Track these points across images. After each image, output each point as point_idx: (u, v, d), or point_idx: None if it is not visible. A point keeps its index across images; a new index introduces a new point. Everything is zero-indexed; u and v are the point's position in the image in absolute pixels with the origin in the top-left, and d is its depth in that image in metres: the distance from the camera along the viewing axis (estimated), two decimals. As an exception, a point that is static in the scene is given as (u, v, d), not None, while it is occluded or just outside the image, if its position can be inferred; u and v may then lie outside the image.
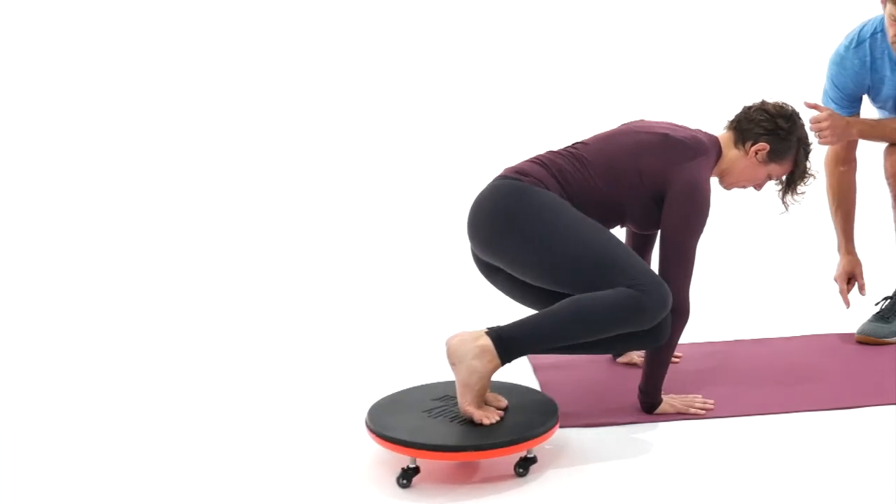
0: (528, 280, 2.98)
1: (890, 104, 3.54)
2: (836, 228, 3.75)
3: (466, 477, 2.74)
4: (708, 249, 3.20)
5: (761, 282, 4.28)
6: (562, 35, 6.56)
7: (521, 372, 3.43)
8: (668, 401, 3.11)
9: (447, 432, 2.67)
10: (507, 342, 2.76)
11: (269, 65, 6.45)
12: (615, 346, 2.96)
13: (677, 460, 2.84)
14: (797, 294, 4.10)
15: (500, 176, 3.06)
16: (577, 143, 3.16)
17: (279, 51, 6.46)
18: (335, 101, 6.41)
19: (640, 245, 3.37)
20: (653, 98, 5.98)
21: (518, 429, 2.69)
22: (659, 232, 3.08)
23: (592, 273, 2.86)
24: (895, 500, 2.59)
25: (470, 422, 2.72)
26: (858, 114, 3.61)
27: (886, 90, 3.51)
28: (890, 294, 3.73)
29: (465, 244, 3.11)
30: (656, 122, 3.19)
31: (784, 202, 3.23)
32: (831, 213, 3.75)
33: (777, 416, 3.09)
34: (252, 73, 6.43)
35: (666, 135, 3.07)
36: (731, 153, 3.17)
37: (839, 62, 3.55)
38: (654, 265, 3.27)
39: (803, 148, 3.18)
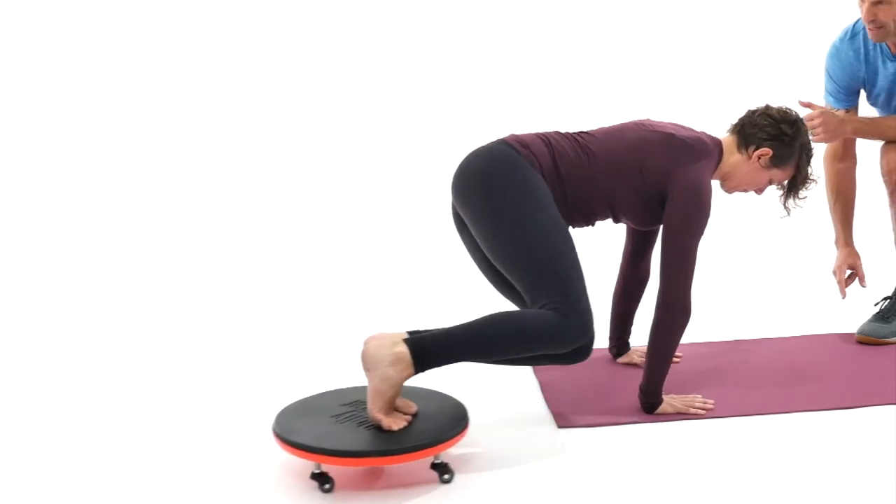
0: (481, 246, 3.00)
1: (883, 97, 3.56)
2: (834, 222, 3.76)
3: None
4: (708, 250, 3.20)
5: (761, 282, 4.28)
6: (566, 35, 6.56)
7: (520, 371, 3.44)
8: (669, 401, 3.11)
9: (353, 438, 2.66)
10: (424, 352, 2.72)
11: (262, 60, 6.45)
12: (534, 362, 2.98)
13: (677, 460, 2.84)
14: (797, 294, 4.10)
15: (502, 140, 3.06)
16: (584, 132, 3.15)
17: (274, 47, 6.47)
18: (336, 95, 6.41)
19: (641, 243, 3.38)
20: (656, 99, 5.97)
21: (424, 435, 2.67)
22: (661, 232, 3.10)
23: (534, 271, 2.85)
24: (895, 501, 2.59)
25: (377, 427, 2.70)
26: (856, 108, 3.63)
27: (880, 82, 3.53)
28: (890, 294, 3.73)
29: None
30: (662, 122, 3.19)
31: (786, 207, 3.24)
32: (830, 206, 3.75)
33: (777, 416, 3.09)
34: (244, 69, 6.43)
35: (671, 135, 3.08)
36: (733, 157, 3.17)
37: (834, 54, 3.60)
38: (655, 264, 3.28)
39: (806, 154, 3.18)
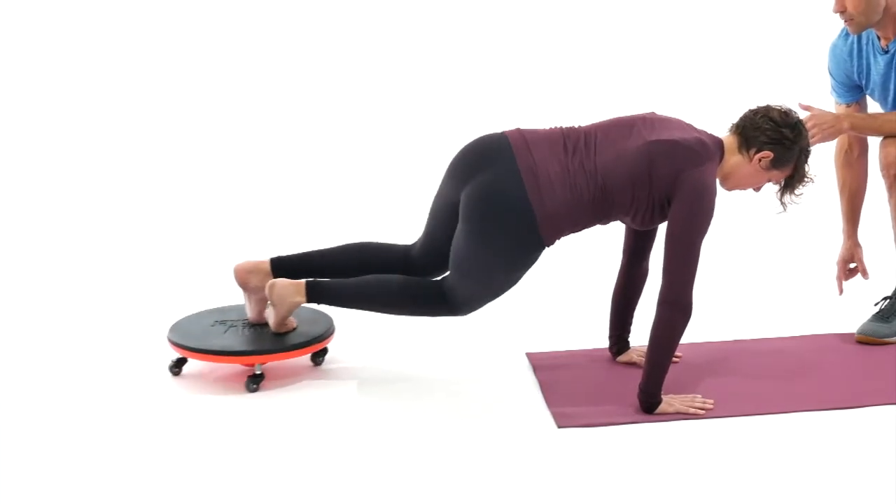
0: (459, 227, 3.23)
1: (878, 91, 3.58)
2: (841, 211, 3.78)
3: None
4: (709, 250, 3.21)
5: (761, 282, 4.28)
6: (568, 32, 6.56)
7: (520, 371, 3.44)
8: (668, 400, 3.11)
9: (274, 340, 3.34)
10: (317, 298, 3.32)
11: (262, 61, 6.45)
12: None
13: (677, 460, 2.84)
14: (797, 294, 4.10)
15: (515, 168, 3.11)
16: (591, 143, 3.18)
17: (274, 47, 6.46)
18: (335, 95, 6.41)
19: (641, 241, 3.39)
20: (658, 96, 5.96)
21: (314, 331, 3.41)
22: (665, 232, 3.12)
23: (472, 278, 3.22)
24: (895, 501, 2.59)
25: (276, 334, 3.37)
26: (859, 103, 3.66)
27: (873, 77, 3.56)
28: (890, 294, 3.73)
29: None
30: (667, 120, 3.22)
31: (782, 202, 3.26)
32: (839, 195, 3.77)
33: (777, 416, 3.09)
34: (244, 69, 6.43)
35: (675, 142, 3.10)
36: (734, 158, 3.19)
37: (832, 51, 3.66)
38: (655, 263, 3.28)
39: (804, 154, 3.21)
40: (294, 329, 3.40)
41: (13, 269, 4.52)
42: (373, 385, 3.36)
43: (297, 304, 3.33)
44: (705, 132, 3.20)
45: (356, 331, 3.70)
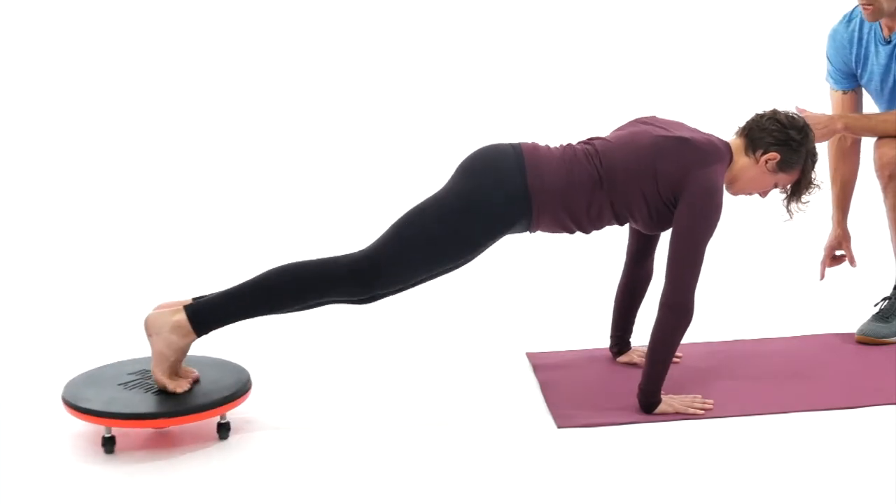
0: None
1: (875, 82, 3.58)
2: (831, 198, 3.77)
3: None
4: (708, 249, 3.21)
5: (761, 282, 4.29)
6: (571, 36, 6.56)
7: (520, 371, 3.44)
8: (668, 401, 3.12)
9: (141, 401, 2.87)
10: (202, 317, 2.89)
11: (263, 61, 6.45)
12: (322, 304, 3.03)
13: (676, 460, 2.84)
14: (797, 294, 4.10)
15: (522, 167, 3.04)
16: (595, 139, 3.17)
17: (274, 47, 6.46)
18: (337, 97, 6.41)
19: (645, 243, 3.40)
20: (660, 99, 5.97)
21: (208, 396, 2.90)
22: (670, 232, 3.11)
23: (396, 231, 2.96)
24: (895, 501, 2.60)
25: (164, 392, 2.90)
26: (857, 90, 3.66)
27: (871, 67, 3.57)
28: (889, 294, 3.73)
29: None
30: (670, 122, 3.21)
31: (788, 210, 3.26)
32: (830, 183, 3.76)
33: (777, 416, 3.09)
34: (244, 69, 6.43)
35: (685, 139, 3.10)
36: (741, 161, 3.19)
37: (832, 36, 3.67)
38: (658, 264, 3.29)
39: (811, 159, 3.21)
40: (191, 383, 2.95)
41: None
42: (373, 384, 3.37)
43: (180, 329, 2.88)
44: (713, 135, 3.20)
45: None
